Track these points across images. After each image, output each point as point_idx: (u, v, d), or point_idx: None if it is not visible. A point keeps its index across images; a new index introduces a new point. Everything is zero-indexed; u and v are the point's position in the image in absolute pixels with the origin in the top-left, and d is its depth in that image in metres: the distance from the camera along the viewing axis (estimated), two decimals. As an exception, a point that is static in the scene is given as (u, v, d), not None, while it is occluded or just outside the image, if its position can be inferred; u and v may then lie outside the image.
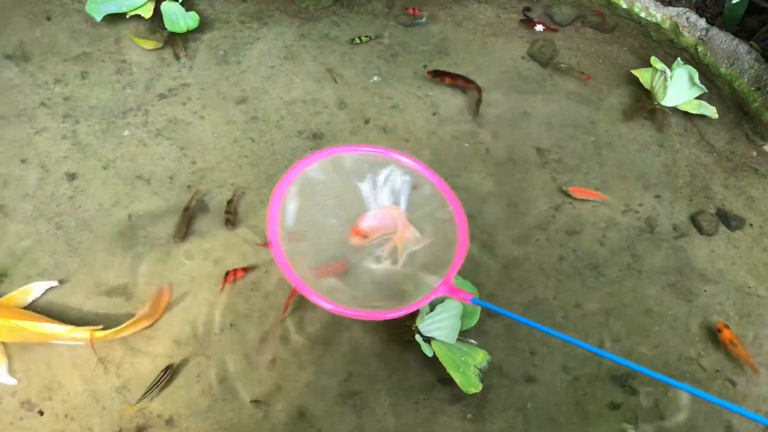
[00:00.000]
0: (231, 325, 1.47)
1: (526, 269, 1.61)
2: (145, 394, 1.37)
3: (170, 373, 1.40)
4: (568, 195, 1.74)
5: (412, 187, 1.42)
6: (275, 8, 2.08)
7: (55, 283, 1.49)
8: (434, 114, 1.86)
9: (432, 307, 1.43)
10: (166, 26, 1.92)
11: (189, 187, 1.67)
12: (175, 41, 1.93)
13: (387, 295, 1.33)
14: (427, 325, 1.42)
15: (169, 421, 1.36)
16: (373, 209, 1.43)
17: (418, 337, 1.41)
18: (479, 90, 1.90)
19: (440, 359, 1.39)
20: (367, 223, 1.42)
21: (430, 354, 1.40)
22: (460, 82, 1.92)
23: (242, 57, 1.94)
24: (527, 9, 2.17)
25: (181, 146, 1.74)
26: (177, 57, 1.91)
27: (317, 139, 1.78)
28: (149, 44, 1.91)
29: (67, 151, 1.71)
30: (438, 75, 1.93)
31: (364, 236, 1.40)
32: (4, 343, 1.41)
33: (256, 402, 1.38)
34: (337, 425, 1.37)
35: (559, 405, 1.44)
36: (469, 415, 1.40)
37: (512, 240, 1.65)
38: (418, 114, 1.86)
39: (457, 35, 2.08)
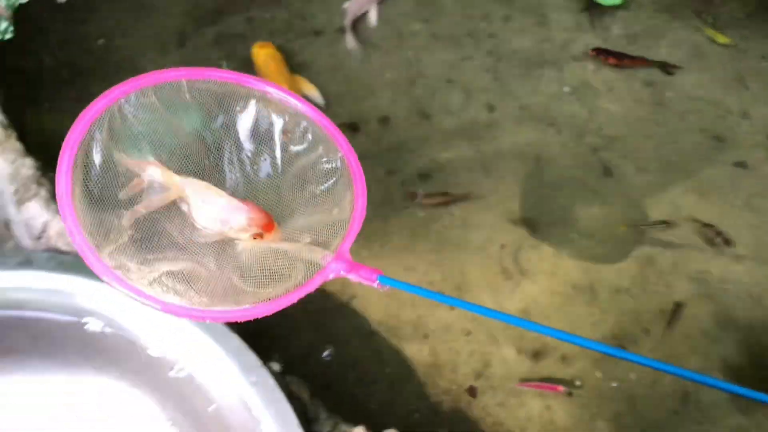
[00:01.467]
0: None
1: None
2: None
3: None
4: None
5: (282, 132, 1.06)
6: (686, 5, 2.08)
7: None
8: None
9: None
10: (595, -4, 2.00)
11: (595, 150, 1.73)
12: (595, 12, 2.00)
13: (257, 280, 0.98)
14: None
15: (564, 358, 1.42)
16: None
17: None
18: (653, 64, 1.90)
19: None
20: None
21: None
22: (627, 62, 1.88)
23: (652, 44, 1.97)
24: None
25: (590, 110, 1.81)
26: (593, 26, 1.97)
27: (719, 141, 1.78)
28: (723, 39, 1.98)
29: (489, 83, 1.83)
30: (601, 53, 1.89)
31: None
32: None
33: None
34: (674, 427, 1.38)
35: None
36: None
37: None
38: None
39: None
